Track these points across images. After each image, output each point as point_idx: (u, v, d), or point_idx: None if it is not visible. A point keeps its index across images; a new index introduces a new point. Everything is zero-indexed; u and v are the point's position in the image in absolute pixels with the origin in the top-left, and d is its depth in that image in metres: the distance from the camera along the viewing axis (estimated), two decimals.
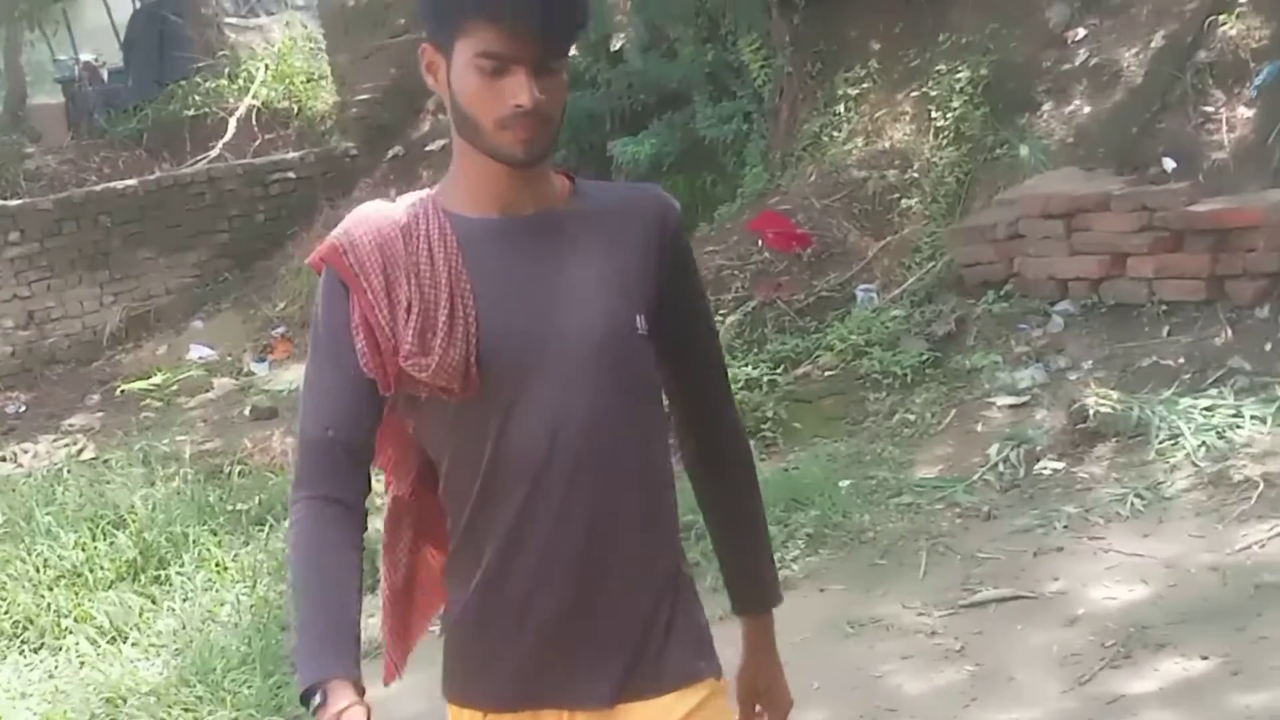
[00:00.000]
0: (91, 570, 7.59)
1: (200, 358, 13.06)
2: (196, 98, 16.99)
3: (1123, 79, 9.41)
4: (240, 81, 17.04)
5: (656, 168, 10.90)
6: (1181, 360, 7.52)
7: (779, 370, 8.50)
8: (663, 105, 11.40)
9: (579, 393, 2.40)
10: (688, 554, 2.69)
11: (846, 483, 7.12)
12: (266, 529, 7.88)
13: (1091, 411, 7.00)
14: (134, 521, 7.99)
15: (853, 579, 6.21)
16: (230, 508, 8.27)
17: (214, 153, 15.60)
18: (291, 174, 15.11)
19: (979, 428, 7.57)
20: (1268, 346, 7.39)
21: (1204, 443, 6.60)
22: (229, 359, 12.91)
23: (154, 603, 7.26)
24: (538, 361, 2.39)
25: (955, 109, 9.89)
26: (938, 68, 10.24)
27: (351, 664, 2.31)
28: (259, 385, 11.92)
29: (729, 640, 2.70)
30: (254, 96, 16.55)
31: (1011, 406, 7.66)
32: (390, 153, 14.81)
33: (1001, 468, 7.02)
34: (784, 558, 6.26)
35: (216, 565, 7.50)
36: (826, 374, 8.51)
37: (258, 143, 15.99)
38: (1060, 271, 8.36)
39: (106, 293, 14.11)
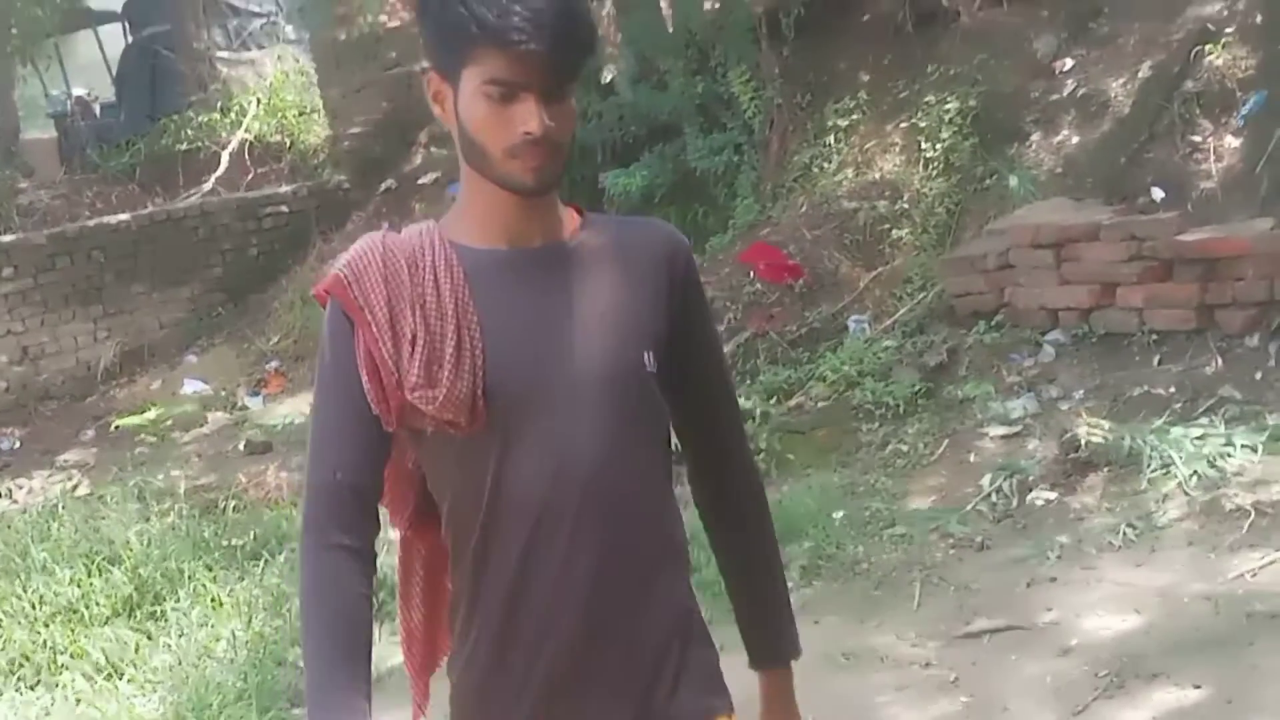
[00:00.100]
0: (87, 606, 7.59)
1: (194, 392, 13.06)
2: (189, 132, 17.02)
3: (1110, 109, 9.47)
4: (233, 115, 17.08)
5: (648, 199, 10.95)
6: (1172, 389, 7.55)
7: (772, 401, 8.54)
8: (654, 137, 11.46)
9: (586, 429, 2.36)
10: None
11: (840, 514, 7.14)
12: (262, 564, 7.88)
13: (1083, 441, 7.02)
14: (129, 557, 7.99)
15: (847, 610, 6.23)
16: (225, 543, 8.28)
17: (207, 187, 15.64)
18: (284, 208, 15.16)
19: (972, 458, 7.60)
20: (1258, 375, 7.43)
21: (1196, 472, 6.62)
22: (223, 393, 12.92)
23: (150, 638, 7.24)
24: (544, 396, 2.35)
25: (945, 140, 9.96)
26: (927, 99, 10.31)
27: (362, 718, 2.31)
28: (253, 419, 11.92)
29: (735, 646, 2.69)
30: (246, 130, 16.59)
31: (1004, 436, 7.70)
32: (383, 186, 14.86)
33: (994, 498, 7.04)
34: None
35: (212, 600, 7.50)
36: (819, 405, 8.54)
37: (250, 176, 16.02)
38: (1051, 301, 8.41)
39: (100, 328, 14.13)
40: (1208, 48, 9.09)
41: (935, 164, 9.98)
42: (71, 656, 7.15)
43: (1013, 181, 9.39)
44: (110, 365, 14.02)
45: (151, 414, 12.42)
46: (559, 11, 2.26)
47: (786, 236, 10.06)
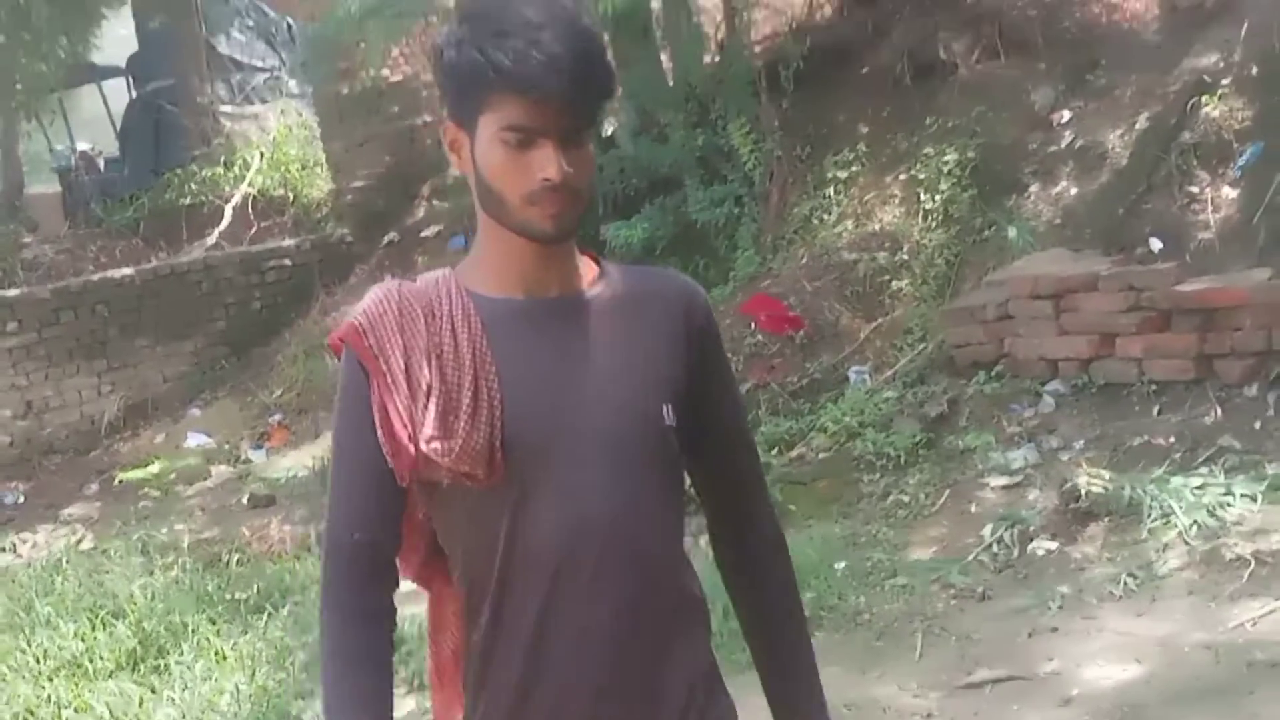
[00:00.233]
0: (91, 660, 7.59)
1: (198, 445, 13.09)
2: (192, 186, 17.11)
3: (1108, 160, 9.53)
4: (236, 169, 17.17)
5: (649, 251, 11.00)
6: (1172, 439, 7.57)
7: (773, 453, 8.57)
8: (654, 189, 11.52)
9: (603, 481, 2.32)
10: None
11: (842, 564, 7.15)
12: (265, 617, 7.89)
13: (1084, 491, 7.04)
14: (133, 611, 8.01)
15: (849, 661, 6.23)
16: (229, 596, 8.30)
17: (210, 241, 15.72)
18: (287, 261, 15.22)
19: (973, 508, 7.62)
20: (1257, 424, 7.45)
21: (1196, 521, 6.64)
22: (226, 447, 12.94)
23: (154, 692, 7.24)
24: (562, 448, 2.31)
25: (943, 191, 10.03)
26: (925, 151, 10.38)
27: None
28: (256, 473, 11.95)
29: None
30: (250, 184, 16.68)
31: (1005, 487, 7.72)
32: (385, 239, 14.93)
33: (996, 548, 7.05)
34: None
35: (216, 654, 7.51)
36: (820, 456, 8.57)
37: (254, 230, 16.09)
38: (1050, 352, 8.45)
39: (104, 382, 14.18)
40: (1204, 99, 9.15)
41: (934, 215, 10.04)
42: (76, 711, 7.15)
43: (1011, 233, 9.44)
44: (114, 419, 14.06)
45: (155, 468, 12.44)
46: (577, 56, 2.23)
47: (787, 288, 10.12)
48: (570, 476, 2.31)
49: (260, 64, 19.79)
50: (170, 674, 7.38)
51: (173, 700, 7.09)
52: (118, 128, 19.98)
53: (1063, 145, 9.90)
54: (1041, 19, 11.06)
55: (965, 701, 5.71)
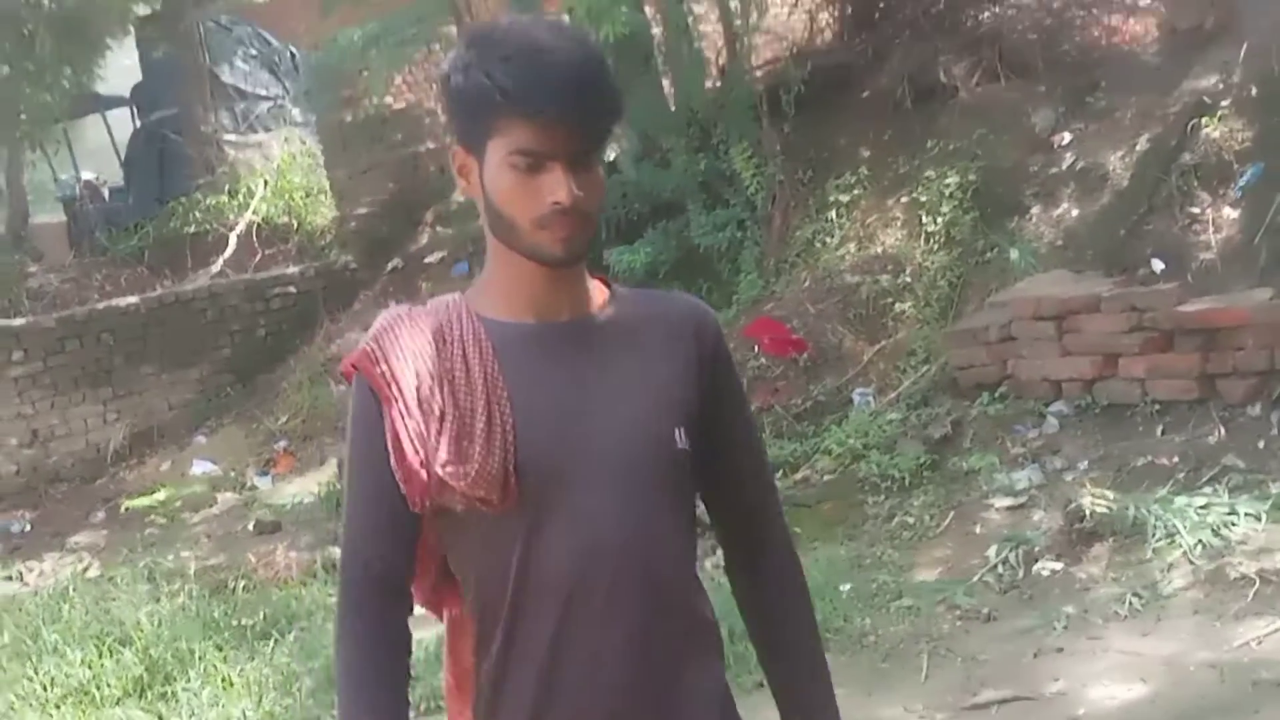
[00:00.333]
0: (98, 688, 7.60)
1: (203, 473, 13.10)
2: (197, 214, 17.18)
3: (1109, 182, 9.56)
4: (240, 198, 17.24)
5: (652, 276, 11.03)
6: (1176, 459, 7.59)
7: (778, 475, 8.57)
8: (657, 214, 11.56)
9: (616, 506, 2.30)
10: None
11: (847, 586, 7.16)
12: (271, 643, 7.91)
13: (1088, 511, 7.05)
14: (140, 638, 8.02)
15: (855, 683, 6.22)
16: (235, 622, 8.31)
17: (215, 269, 15.77)
18: (292, 288, 15.27)
19: (977, 529, 7.63)
20: (1261, 444, 7.47)
21: (1200, 541, 6.65)
22: (232, 474, 12.96)
23: (161, 719, 7.27)
24: (574, 473, 2.29)
25: (945, 214, 10.06)
26: (927, 174, 10.42)
27: None
28: (262, 499, 11.97)
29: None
30: (254, 212, 16.74)
31: (1009, 508, 7.72)
32: (390, 265, 14.98)
33: (1000, 569, 7.06)
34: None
35: (222, 680, 7.51)
36: (825, 478, 8.58)
37: (258, 258, 16.14)
38: (1053, 373, 8.47)
39: (110, 410, 14.21)
40: (1204, 120, 9.19)
41: (936, 238, 10.07)
42: None
43: (1013, 254, 9.47)
44: (120, 447, 14.09)
45: (161, 495, 12.47)
46: (584, 79, 2.23)
47: (790, 311, 10.15)
48: (583, 501, 2.30)
49: (264, 93, 19.84)
50: (177, 701, 7.38)
51: None
52: (122, 157, 20.06)
53: (1064, 167, 9.94)
54: (1041, 42, 11.11)
55: None
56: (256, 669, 7.58)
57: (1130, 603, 6.34)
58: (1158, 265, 8.73)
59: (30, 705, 7.51)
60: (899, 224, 10.48)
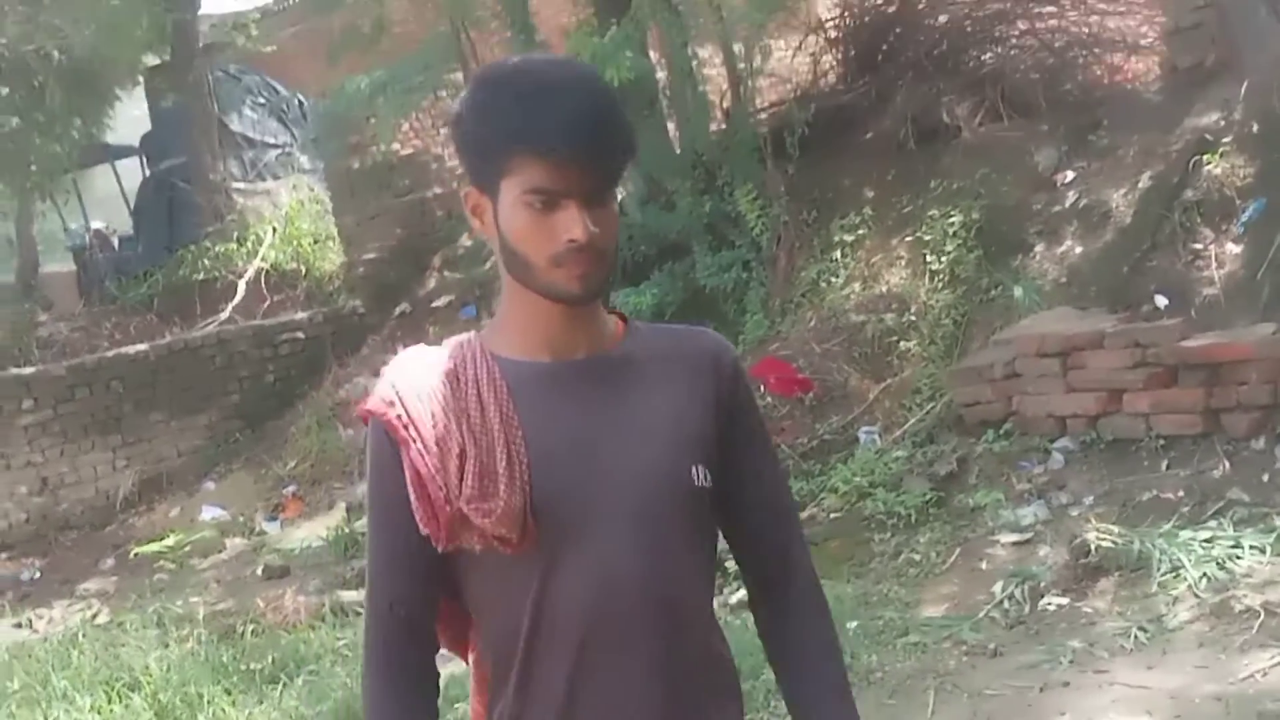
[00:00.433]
0: None
1: (212, 519, 13.14)
2: (206, 262, 17.28)
3: (1112, 219, 9.59)
4: (249, 245, 17.34)
5: (659, 317, 11.06)
6: (1181, 493, 7.59)
7: None
8: (663, 256, 11.61)
9: (631, 547, 2.28)
10: None
11: (854, 624, 7.16)
12: (280, 687, 7.91)
13: (1093, 546, 7.06)
14: (149, 683, 8.03)
15: None
16: (244, 667, 8.31)
17: (224, 315, 15.84)
18: (300, 334, 15.35)
19: (983, 565, 7.63)
20: (1265, 477, 7.47)
21: (1205, 574, 6.65)
22: (241, 519, 13.00)
23: None
24: (590, 514, 2.28)
25: (949, 252, 10.09)
26: (931, 213, 10.46)
27: None
28: (271, 544, 12.00)
29: None
30: (262, 259, 16.83)
31: (1015, 543, 7.73)
32: (397, 310, 15.05)
33: (1007, 605, 7.06)
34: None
35: None
36: (831, 516, 8.60)
37: (267, 304, 16.22)
38: (1058, 409, 8.48)
39: (119, 457, 14.27)
40: (1206, 157, 9.21)
41: (941, 276, 10.10)
42: None
43: (1018, 292, 9.49)
44: (129, 494, 14.15)
45: (170, 541, 12.50)
46: (597, 117, 2.21)
47: (796, 350, 10.18)
48: (599, 541, 2.28)
49: (272, 141, 20.00)
50: None
51: None
52: (131, 206, 20.17)
53: (1067, 205, 9.97)
54: (1043, 81, 11.18)
55: None
56: (265, 713, 7.59)
57: (1136, 636, 6.33)
58: (1161, 301, 8.76)
59: None
60: (903, 263, 10.52)
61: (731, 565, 2.58)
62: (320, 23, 16.63)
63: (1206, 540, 6.94)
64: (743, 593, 7.47)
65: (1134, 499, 7.72)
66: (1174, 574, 6.74)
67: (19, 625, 11.11)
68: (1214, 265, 8.78)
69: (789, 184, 11.39)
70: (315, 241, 17.49)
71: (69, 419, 14.15)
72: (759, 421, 2.52)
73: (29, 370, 14.57)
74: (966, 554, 7.82)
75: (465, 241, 15.01)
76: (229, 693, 7.90)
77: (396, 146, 15.83)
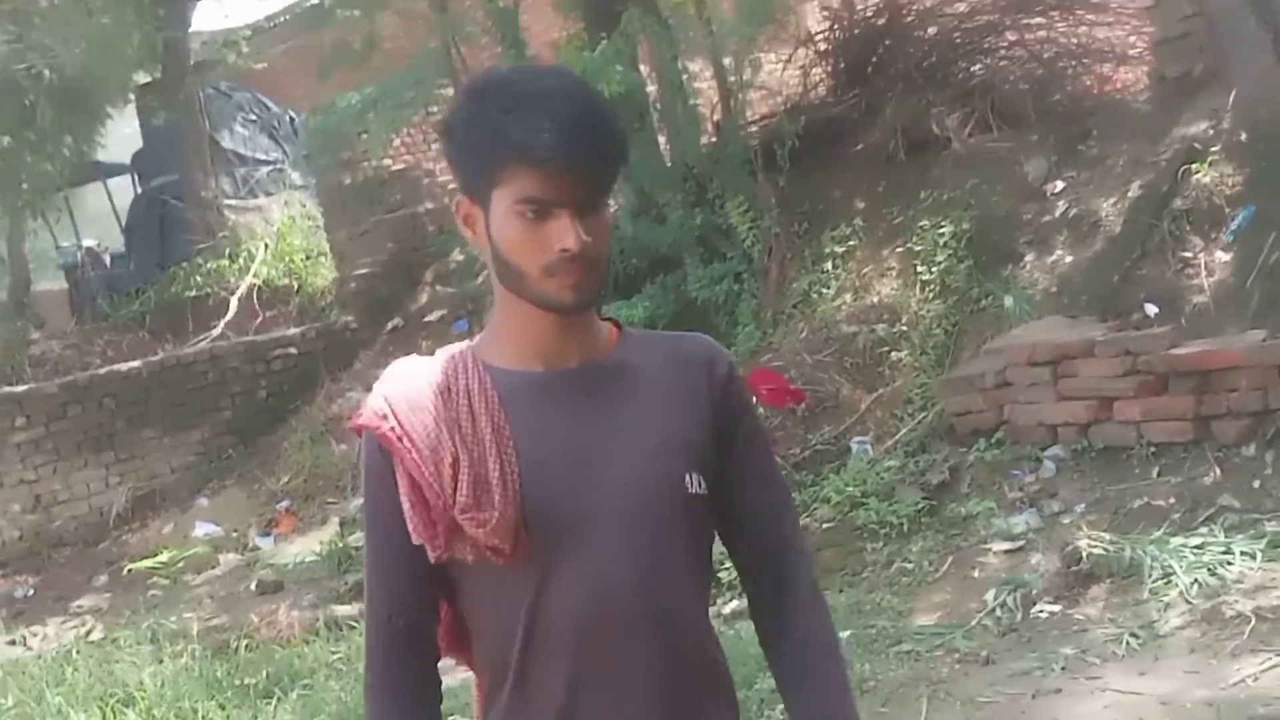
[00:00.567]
0: None
1: (206, 534, 13.13)
2: (198, 279, 17.30)
3: (1102, 228, 9.61)
4: (241, 261, 17.35)
5: (650, 330, 11.07)
6: (1172, 500, 7.61)
7: None
8: (655, 269, 11.63)
9: (625, 556, 2.27)
10: None
11: (847, 633, 7.15)
12: (274, 702, 7.93)
13: (1085, 554, 7.08)
14: (143, 699, 8.05)
15: None
16: (238, 682, 8.33)
17: (216, 332, 15.84)
18: (293, 349, 15.34)
19: (976, 574, 7.65)
20: (1256, 483, 7.48)
21: (1196, 580, 6.67)
22: (234, 534, 12.99)
23: None
24: (582, 523, 2.27)
25: (940, 263, 10.11)
26: (921, 224, 10.48)
27: None
28: (264, 559, 12.00)
29: None
30: (254, 275, 16.84)
31: (1007, 552, 7.75)
32: (390, 325, 15.07)
33: (999, 612, 7.07)
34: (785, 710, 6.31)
35: None
36: (824, 526, 8.60)
37: (259, 320, 16.23)
38: (1049, 417, 8.49)
39: (112, 473, 14.26)
40: (1195, 166, 9.24)
41: (932, 287, 10.12)
42: None
43: (1008, 301, 9.51)
44: (122, 510, 14.13)
45: (164, 557, 12.48)
46: (588, 125, 2.22)
47: (788, 362, 10.20)
48: (592, 550, 2.27)
49: (264, 157, 20.02)
50: None
51: None
52: (123, 223, 20.19)
53: (1057, 215, 9.99)
54: (1033, 92, 11.21)
55: None
56: None
57: (1127, 643, 6.35)
58: (1151, 309, 8.78)
59: None
60: (894, 274, 10.54)
61: (724, 575, 2.57)
62: (311, 39, 16.71)
63: (1198, 547, 6.96)
64: (736, 603, 7.54)
65: (1125, 506, 7.73)
66: (1165, 580, 6.76)
67: (13, 642, 11.11)
68: (1203, 273, 8.80)
69: (780, 196, 11.41)
70: (307, 257, 17.50)
71: (62, 436, 14.14)
72: (756, 425, 2.50)
73: (21, 388, 14.57)
74: (959, 562, 7.84)
75: (457, 256, 15.03)
76: (223, 708, 7.92)
77: (388, 162, 15.87)
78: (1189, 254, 8.99)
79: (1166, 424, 8.02)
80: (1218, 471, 7.67)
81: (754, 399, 2.37)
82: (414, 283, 15.49)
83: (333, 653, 8.58)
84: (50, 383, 14.66)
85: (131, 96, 19.39)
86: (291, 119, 20.10)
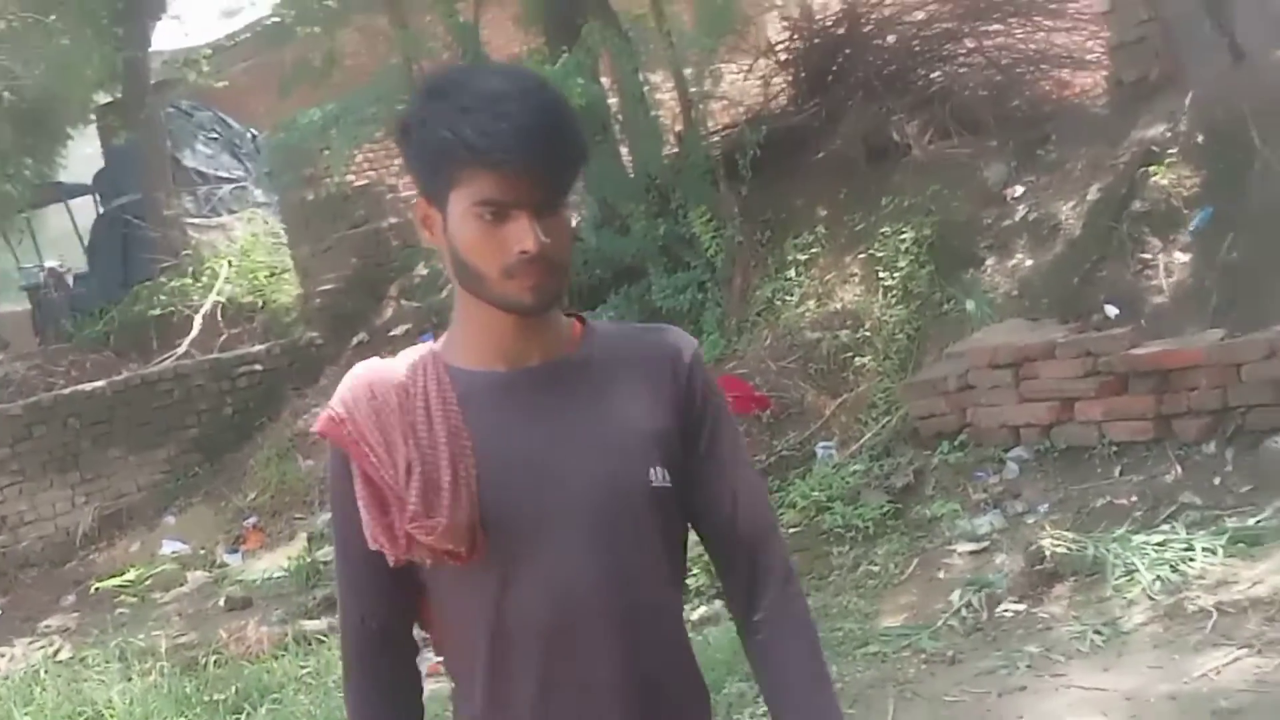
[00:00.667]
0: None
1: (173, 552, 13.09)
2: (161, 297, 17.26)
3: (1062, 232, 9.67)
4: (204, 279, 17.33)
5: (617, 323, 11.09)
6: (1134, 498, 7.66)
7: None
8: (619, 279, 11.66)
9: (588, 553, 2.25)
10: None
11: None
12: (244, 717, 7.92)
13: (1049, 553, 7.12)
14: (112, 717, 8.04)
15: None
16: (207, 698, 8.30)
17: (180, 350, 15.83)
18: (258, 366, 15.32)
19: (941, 575, 7.69)
20: (1216, 480, 7.54)
21: (1159, 577, 6.71)
22: (202, 552, 12.96)
23: None
24: (543, 522, 2.25)
25: (902, 268, 10.16)
26: (883, 230, 10.53)
27: None
28: (232, 576, 11.97)
29: None
30: (218, 293, 16.83)
31: (972, 552, 7.78)
32: (355, 340, 15.05)
33: (964, 613, 7.11)
34: (755, 713, 6.35)
35: None
36: (790, 531, 8.61)
37: (223, 338, 16.23)
38: (1011, 419, 8.54)
39: (78, 493, 14.20)
40: (1153, 168, 9.30)
41: (894, 292, 10.17)
42: None
43: (970, 305, 9.57)
44: (89, 530, 14.07)
45: (131, 575, 12.45)
46: (546, 126, 2.19)
47: (753, 369, 10.23)
48: (555, 549, 2.25)
49: (226, 175, 20.02)
50: None
51: None
52: (86, 243, 20.13)
53: (1017, 219, 10.05)
54: (992, 98, 11.28)
55: None
56: None
57: (1091, 640, 6.39)
58: (1111, 311, 8.84)
59: None
60: (857, 280, 10.59)
61: (690, 582, 2.55)
62: (272, 57, 16.67)
63: (1160, 544, 7.00)
64: (704, 609, 7.54)
65: (1088, 505, 7.78)
66: (1128, 578, 6.81)
67: None
68: (1162, 274, 8.87)
69: (742, 205, 11.46)
70: (271, 274, 17.50)
71: (27, 457, 14.08)
72: (724, 413, 2.45)
73: None
74: (924, 564, 7.88)
75: (422, 270, 15.05)
76: None
77: (351, 178, 15.88)
78: (1148, 255, 9.05)
79: (1128, 423, 8.07)
80: (1179, 469, 7.72)
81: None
82: (379, 298, 15.49)
83: (302, 667, 8.57)
84: (14, 404, 14.58)
85: (92, 117, 19.36)
86: (253, 136, 20.12)
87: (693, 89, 12.37)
